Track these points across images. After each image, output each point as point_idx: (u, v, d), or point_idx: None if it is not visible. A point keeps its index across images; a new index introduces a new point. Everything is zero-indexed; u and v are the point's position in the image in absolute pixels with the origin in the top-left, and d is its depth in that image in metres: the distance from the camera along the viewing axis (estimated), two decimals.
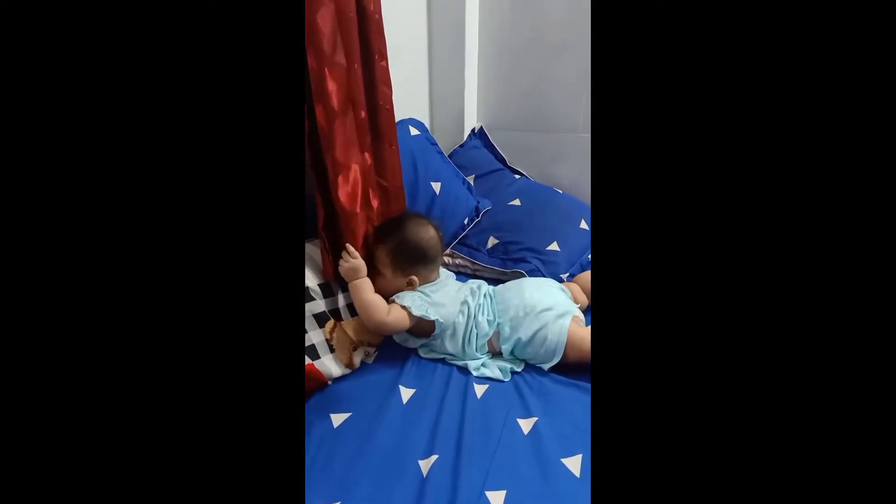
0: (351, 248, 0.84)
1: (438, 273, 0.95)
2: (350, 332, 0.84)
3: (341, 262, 0.84)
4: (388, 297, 0.87)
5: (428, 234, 0.91)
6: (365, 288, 0.84)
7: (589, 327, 0.87)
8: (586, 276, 1.04)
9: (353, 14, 0.80)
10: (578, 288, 0.99)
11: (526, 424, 0.69)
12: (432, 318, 0.84)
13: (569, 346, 0.81)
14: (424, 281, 0.90)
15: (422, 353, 0.87)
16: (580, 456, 0.63)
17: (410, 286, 0.89)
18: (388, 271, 0.88)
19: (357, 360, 0.83)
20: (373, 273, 0.88)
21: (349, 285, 0.85)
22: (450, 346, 0.85)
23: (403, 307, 0.83)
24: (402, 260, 0.88)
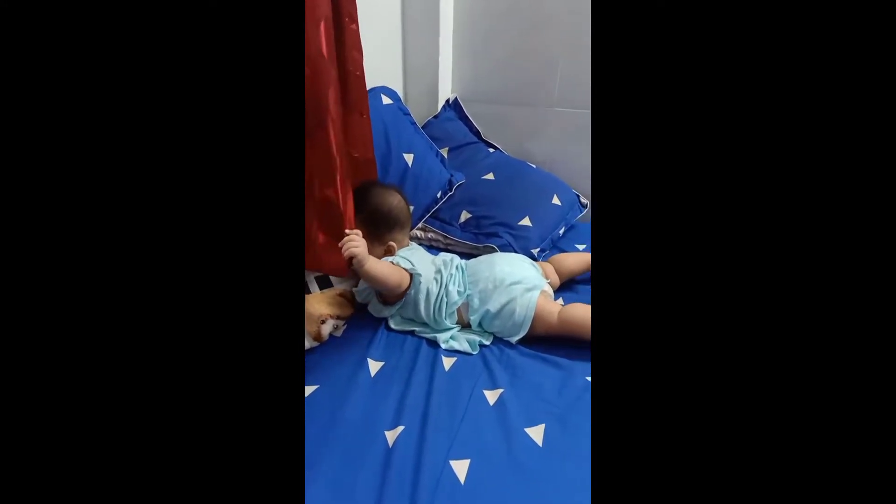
0: (356, 230, 0.80)
1: (409, 241, 0.95)
2: (319, 306, 0.83)
3: (351, 247, 0.76)
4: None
5: (396, 199, 0.92)
6: (376, 260, 0.81)
7: (557, 301, 0.89)
8: (561, 257, 1.04)
9: None
10: (552, 268, 1.00)
11: (492, 396, 0.71)
12: (420, 273, 0.84)
13: (536, 318, 0.82)
14: (400, 245, 0.92)
15: (392, 323, 0.87)
16: (543, 426, 0.65)
17: (389, 252, 0.89)
18: (366, 242, 0.87)
19: (326, 333, 0.83)
20: None
21: (361, 269, 0.78)
22: (422, 311, 0.85)
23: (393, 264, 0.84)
24: (379, 227, 0.89)
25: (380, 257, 0.88)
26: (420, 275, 0.85)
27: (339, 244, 0.77)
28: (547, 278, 0.94)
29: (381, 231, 0.89)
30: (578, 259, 1.03)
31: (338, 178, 0.79)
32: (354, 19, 0.86)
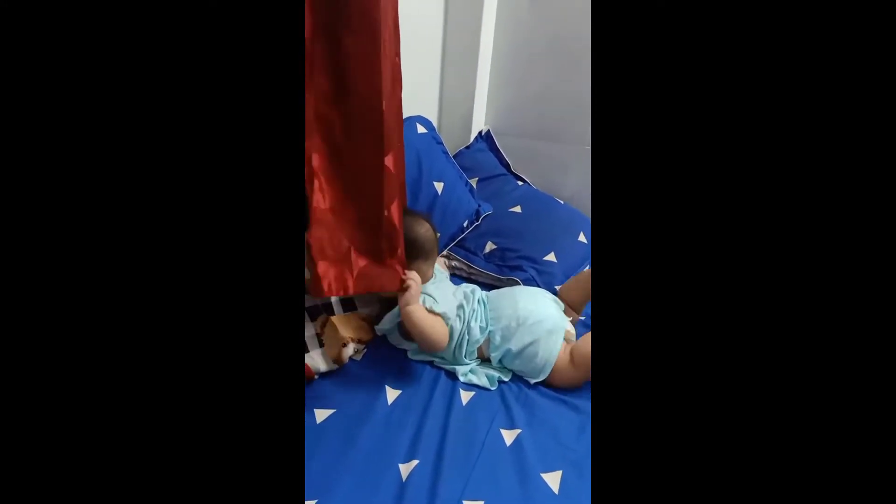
0: (412, 272, 0.81)
1: (433, 271, 0.95)
2: (342, 329, 0.83)
3: (409, 283, 0.79)
4: (390, 296, 0.86)
5: (423, 228, 0.91)
6: (422, 308, 0.81)
7: (582, 348, 0.87)
8: (573, 282, 1.02)
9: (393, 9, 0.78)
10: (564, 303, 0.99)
11: (509, 436, 0.69)
12: (449, 315, 0.83)
13: (556, 369, 0.81)
14: (423, 276, 0.89)
15: (411, 355, 0.87)
16: (560, 472, 0.63)
17: None
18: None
19: (346, 357, 0.83)
20: None
21: (406, 308, 0.79)
22: (442, 350, 0.85)
23: (435, 313, 0.82)
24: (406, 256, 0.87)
25: None
26: (449, 319, 0.84)
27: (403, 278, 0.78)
28: (567, 314, 0.93)
29: (407, 260, 0.89)
30: (579, 284, 1.00)
31: (396, 201, 0.80)
32: (398, 53, 0.89)
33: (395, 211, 0.79)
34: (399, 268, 0.80)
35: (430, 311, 0.82)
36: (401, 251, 0.80)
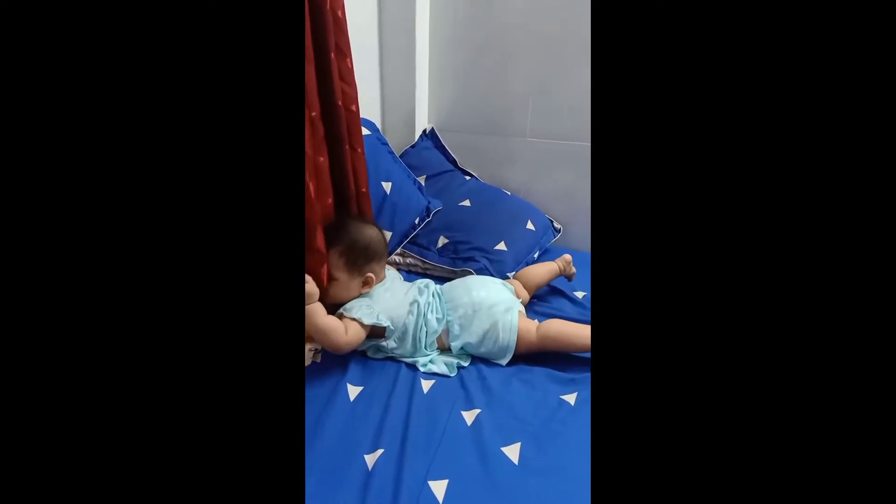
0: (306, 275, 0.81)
1: (385, 272, 0.97)
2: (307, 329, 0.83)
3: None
4: (345, 302, 0.87)
5: (373, 231, 0.94)
6: (319, 312, 0.81)
7: (533, 320, 0.92)
8: (525, 271, 1.09)
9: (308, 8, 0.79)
10: (520, 284, 1.04)
11: (469, 416, 0.72)
12: (384, 324, 0.85)
13: (518, 339, 0.86)
14: (377, 276, 0.92)
15: (370, 353, 0.88)
16: (518, 444, 0.67)
17: (367, 284, 0.90)
18: (343, 274, 0.88)
19: (305, 360, 0.83)
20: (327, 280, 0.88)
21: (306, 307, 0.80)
22: (399, 347, 0.87)
23: (355, 319, 0.83)
24: (357, 260, 0.89)
25: (359, 288, 0.90)
26: (389, 325, 0.85)
27: None
28: (518, 296, 0.98)
29: (359, 263, 0.89)
30: (542, 269, 1.08)
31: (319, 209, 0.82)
32: (348, 54, 0.89)
33: (319, 240, 0.82)
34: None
35: (342, 316, 0.83)
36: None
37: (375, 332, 0.87)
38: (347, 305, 0.87)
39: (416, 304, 0.90)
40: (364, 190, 1.01)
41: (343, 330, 0.82)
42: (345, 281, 0.89)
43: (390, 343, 0.87)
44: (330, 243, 0.89)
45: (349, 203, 0.98)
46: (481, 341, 0.86)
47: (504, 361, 0.86)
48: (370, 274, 0.90)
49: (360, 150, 0.97)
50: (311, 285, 0.79)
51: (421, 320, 0.88)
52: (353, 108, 0.94)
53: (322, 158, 0.88)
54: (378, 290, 0.91)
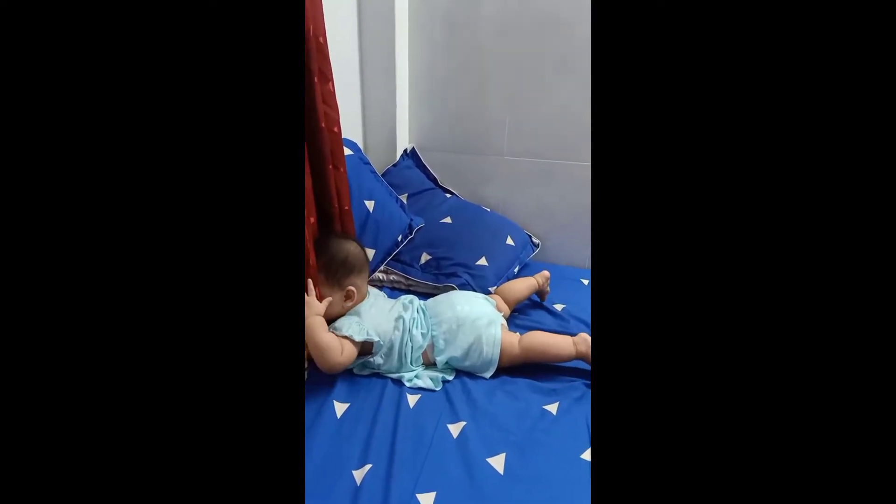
0: (309, 283, 0.83)
1: (367, 288, 0.98)
2: None
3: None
4: (330, 318, 0.88)
5: (352, 246, 0.96)
6: (321, 328, 0.82)
7: (515, 332, 0.94)
8: (506, 286, 1.12)
9: None
10: (500, 298, 1.07)
11: (455, 429, 0.74)
12: (374, 339, 0.86)
13: (501, 352, 0.88)
14: (359, 291, 0.93)
15: (356, 370, 0.89)
16: (503, 455, 0.69)
17: (349, 298, 0.91)
18: (327, 290, 0.90)
19: None
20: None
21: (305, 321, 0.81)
22: (386, 363, 0.89)
23: (346, 337, 0.84)
24: (337, 273, 0.91)
25: (341, 302, 0.91)
26: (379, 341, 0.87)
27: None
28: (499, 310, 1.01)
29: (339, 276, 0.91)
30: (522, 285, 1.11)
31: (307, 229, 0.84)
32: (330, 78, 0.93)
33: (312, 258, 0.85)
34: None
35: (334, 333, 0.84)
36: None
37: (363, 349, 0.88)
38: (336, 324, 0.88)
39: (401, 320, 0.91)
40: (347, 208, 1.03)
41: (340, 349, 0.82)
42: (328, 295, 0.90)
43: (377, 359, 0.88)
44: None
45: (333, 221, 1.00)
46: (466, 355, 0.88)
47: (488, 374, 0.88)
48: (351, 287, 0.91)
49: (342, 169, 1.00)
50: (312, 298, 0.81)
51: (406, 336, 0.90)
52: (336, 129, 0.97)
53: (306, 180, 0.90)
54: (363, 307, 0.93)
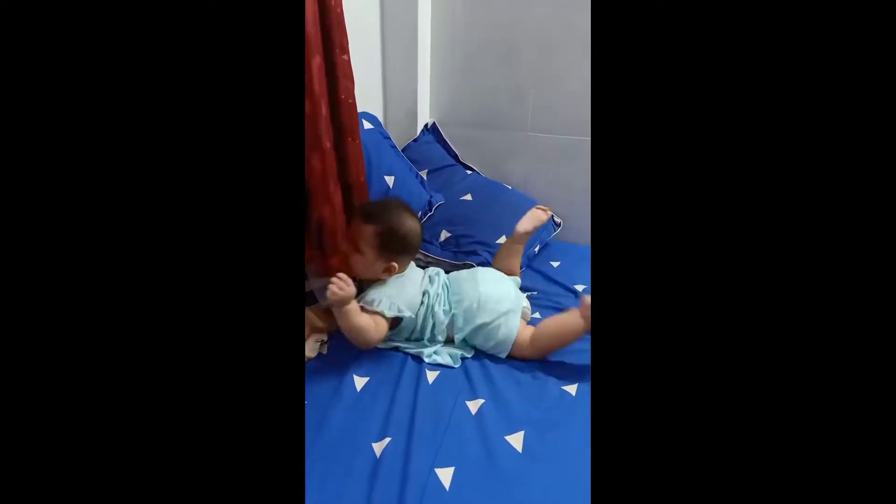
0: (345, 276, 0.80)
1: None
2: (315, 320, 0.86)
3: (334, 289, 0.78)
4: (357, 279, 0.86)
5: (416, 225, 0.92)
6: (357, 312, 0.82)
7: (529, 327, 0.91)
8: (497, 259, 1.09)
9: (314, 7, 0.81)
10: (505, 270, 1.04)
11: (473, 406, 0.74)
12: (406, 314, 0.86)
13: (515, 346, 0.87)
14: (400, 268, 0.91)
15: (379, 344, 0.89)
16: (522, 433, 0.69)
17: (388, 272, 0.89)
18: (371, 253, 0.88)
19: (308, 351, 0.85)
20: (350, 250, 0.89)
21: (338, 310, 0.81)
22: (407, 336, 0.89)
23: (377, 313, 0.84)
24: (390, 245, 0.88)
25: (379, 272, 0.89)
26: (410, 315, 0.87)
27: (330, 281, 0.79)
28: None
29: (389, 249, 0.88)
30: (509, 249, 1.07)
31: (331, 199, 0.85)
32: (346, 50, 0.91)
33: (322, 209, 0.88)
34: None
35: (364, 309, 0.84)
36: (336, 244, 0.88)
37: (392, 323, 0.88)
38: (368, 297, 0.87)
39: (426, 295, 0.91)
40: (362, 179, 1.02)
41: (374, 328, 0.83)
42: (370, 260, 0.88)
43: (403, 333, 0.89)
44: (369, 218, 0.89)
45: (351, 192, 1.00)
46: (478, 333, 0.88)
47: (503, 355, 0.87)
48: (394, 263, 0.89)
49: (357, 140, 0.99)
50: (350, 287, 0.79)
51: (429, 313, 0.90)
52: (351, 100, 0.95)
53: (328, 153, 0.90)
54: (393, 278, 0.91)
